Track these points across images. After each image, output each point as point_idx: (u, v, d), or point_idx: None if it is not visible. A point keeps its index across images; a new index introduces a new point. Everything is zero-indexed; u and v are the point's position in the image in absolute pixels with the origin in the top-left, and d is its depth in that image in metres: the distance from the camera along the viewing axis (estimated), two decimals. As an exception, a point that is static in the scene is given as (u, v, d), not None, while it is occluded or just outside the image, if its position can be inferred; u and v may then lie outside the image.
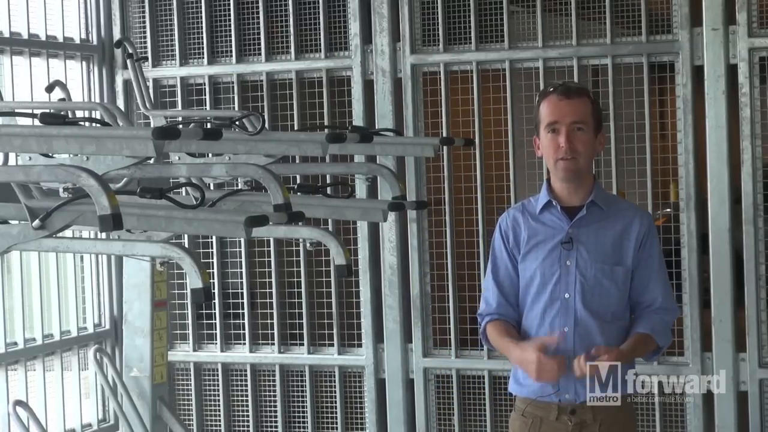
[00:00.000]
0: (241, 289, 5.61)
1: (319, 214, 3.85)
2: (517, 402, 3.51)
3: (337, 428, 5.54)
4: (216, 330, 5.66)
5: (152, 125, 3.96)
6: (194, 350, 5.71)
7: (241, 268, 5.62)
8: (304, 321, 5.51)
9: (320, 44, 5.45)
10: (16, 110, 3.34)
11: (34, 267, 5.25)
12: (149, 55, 5.65)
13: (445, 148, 4.96)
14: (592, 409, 3.37)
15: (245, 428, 5.69)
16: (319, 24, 5.45)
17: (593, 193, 3.43)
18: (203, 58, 5.62)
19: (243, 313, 5.60)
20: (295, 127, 5.39)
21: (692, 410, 5.00)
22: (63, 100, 3.73)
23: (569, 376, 3.32)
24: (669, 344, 3.50)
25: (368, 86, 5.37)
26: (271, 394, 5.64)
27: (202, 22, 5.61)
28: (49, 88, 3.74)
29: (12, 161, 3.37)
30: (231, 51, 5.57)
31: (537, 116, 3.45)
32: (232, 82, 5.56)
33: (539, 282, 3.44)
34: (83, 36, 5.64)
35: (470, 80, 5.23)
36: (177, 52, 5.65)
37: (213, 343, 5.70)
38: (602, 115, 3.47)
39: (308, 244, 3.91)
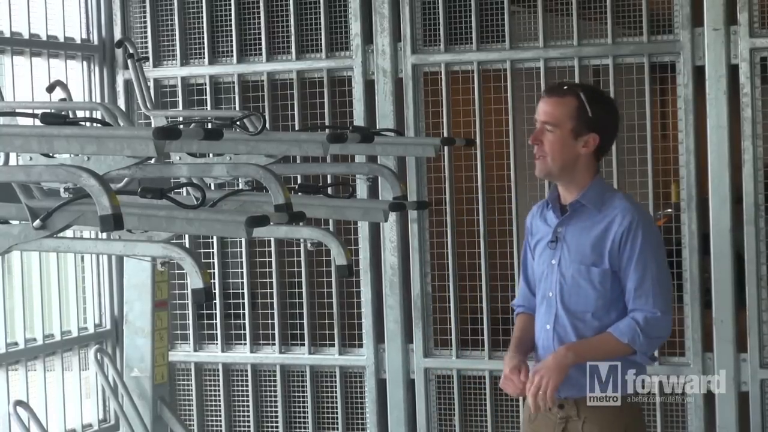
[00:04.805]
0: (242, 289, 5.60)
1: (319, 215, 3.84)
2: None
3: (337, 429, 5.54)
4: (217, 330, 5.65)
5: (153, 125, 3.95)
6: (195, 350, 5.71)
7: (241, 268, 5.61)
8: (305, 321, 5.51)
9: (321, 44, 5.45)
10: (17, 110, 3.33)
11: (34, 267, 5.24)
12: (150, 55, 5.65)
13: (446, 148, 4.95)
14: (576, 406, 3.37)
15: (246, 428, 5.68)
16: (320, 24, 5.45)
17: (583, 193, 3.37)
18: (204, 58, 5.62)
19: (244, 314, 5.60)
20: (296, 128, 5.38)
21: (693, 410, 5.00)
22: (64, 100, 3.73)
23: None
24: (639, 343, 3.30)
25: (369, 86, 5.37)
26: (272, 394, 5.63)
27: (202, 22, 5.61)
28: (50, 88, 3.73)
29: (12, 161, 3.37)
30: (232, 51, 5.57)
31: None
32: (233, 82, 5.56)
33: (538, 279, 3.51)
34: (84, 36, 5.64)
35: (471, 80, 5.22)
36: (178, 52, 5.65)
37: (214, 344, 5.70)
38: (595, 116, 3.31)
39: (309, 245, 3.90)
